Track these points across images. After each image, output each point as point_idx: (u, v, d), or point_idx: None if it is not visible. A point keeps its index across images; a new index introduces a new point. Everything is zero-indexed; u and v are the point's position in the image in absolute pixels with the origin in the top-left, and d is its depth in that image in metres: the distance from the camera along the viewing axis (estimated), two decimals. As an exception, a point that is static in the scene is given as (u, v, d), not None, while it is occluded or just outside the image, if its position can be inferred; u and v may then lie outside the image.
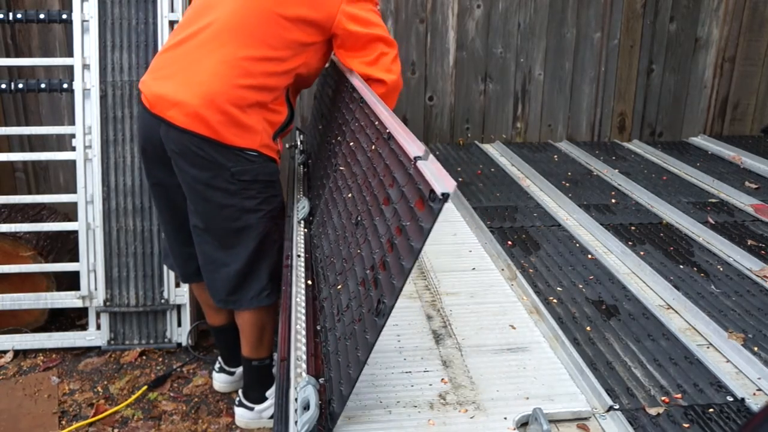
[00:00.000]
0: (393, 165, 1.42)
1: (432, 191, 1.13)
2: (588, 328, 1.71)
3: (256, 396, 2.38)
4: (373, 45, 2.08)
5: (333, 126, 2.19)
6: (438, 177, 1.14)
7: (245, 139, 1.98)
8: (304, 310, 1.56)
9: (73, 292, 2.87)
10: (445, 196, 1.09)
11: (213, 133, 1.93)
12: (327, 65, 2.43)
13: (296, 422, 1.19)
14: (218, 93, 1.91)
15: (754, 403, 1.41)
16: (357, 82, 2.03)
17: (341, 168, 1.87)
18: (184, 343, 2.90)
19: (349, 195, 1.69)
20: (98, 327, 2.89)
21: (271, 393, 2.39)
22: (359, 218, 1.53)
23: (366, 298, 1.29)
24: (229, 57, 1.93)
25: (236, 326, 2.34)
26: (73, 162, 2.83)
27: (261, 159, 2.04)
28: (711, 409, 1.39)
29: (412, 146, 1.33)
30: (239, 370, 2.55)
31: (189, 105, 1.91)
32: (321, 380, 1.32)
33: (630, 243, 2.26)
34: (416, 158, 1.27)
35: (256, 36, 1.94)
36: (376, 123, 1.65)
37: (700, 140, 3.69)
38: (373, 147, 1.61)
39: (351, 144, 1.85)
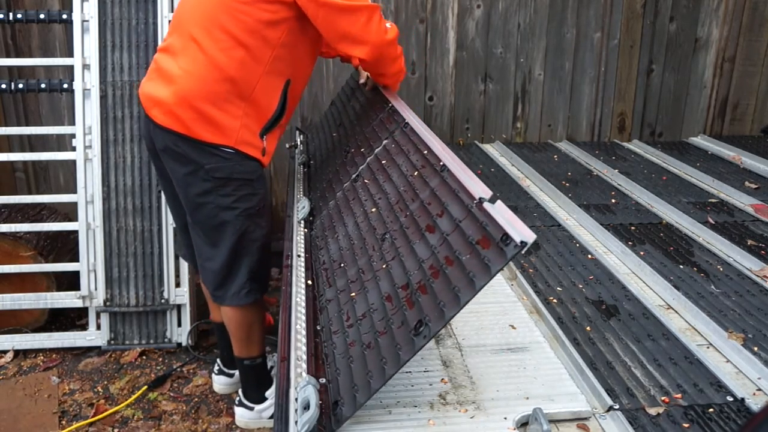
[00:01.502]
0: (445, 197, 1.45)
1: (506, 235, 1.18)
2: (588, 328, 1.71)
3: (255, 396, 2.38)
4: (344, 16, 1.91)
5: (357, 137, 2.21)
6: (514, 225, 1.20)
7: (219, 136, 1.96)
8: (304, 310, 1.56)
9: (73, 292, 2.87)
10: (523, 245, 1.15)
11: (187, 130, 1.94)
12: (364, 82, 2.42)
13: (296, 422, 1.19)
14: (190, 90, 1.93)
15: (754, 403, 1.42)
16: (401, 106, 2.06)
17: (366, 181, 1.88)
18: (184, 343, 2.90)
19: (373, 209, 1.70)
20: (98, 327, 2.89)
21: (270, 393, 2.38)
22: (387, 235, 1.54)
23: (395, 314, 1.31)
24: (199, 53, 1.93)
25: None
26: (73, 162, 2.83)
27: (237, 156, 1.99)
28: (711, 409, 1.39)
29: (476, 186, 1.38)
30: (238, 372, 2.55)
31: (166, 104, 1.95)
32: (321, 380, 1.32)
33: (630, 243, 2.26)
34: (481, 199, 1.32)
35: (219, 27, 1.91)
36: (425, 152, 1.67)
37: (700, 140, 3.70)
38: (416, 173, 1.63)
39: (383, 162, 1.86)
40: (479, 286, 1.17)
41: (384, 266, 1.47)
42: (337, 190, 2.02)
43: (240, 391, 2.44)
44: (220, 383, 2.62)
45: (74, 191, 2.85)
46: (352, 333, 1.39)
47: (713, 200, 2.72)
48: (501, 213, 1.26)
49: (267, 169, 2.79)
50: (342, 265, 1.65)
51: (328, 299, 1.58)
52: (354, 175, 1.98)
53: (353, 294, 1.50)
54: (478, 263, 1.21)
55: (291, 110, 2.14)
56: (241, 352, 2.30)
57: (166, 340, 2.90)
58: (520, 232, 1.17)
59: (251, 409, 2.38)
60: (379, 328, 1.33)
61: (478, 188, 1.37)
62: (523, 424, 1.32)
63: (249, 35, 1.91)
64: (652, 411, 1.38)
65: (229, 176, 2.01)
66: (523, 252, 1.16)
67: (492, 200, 1.30)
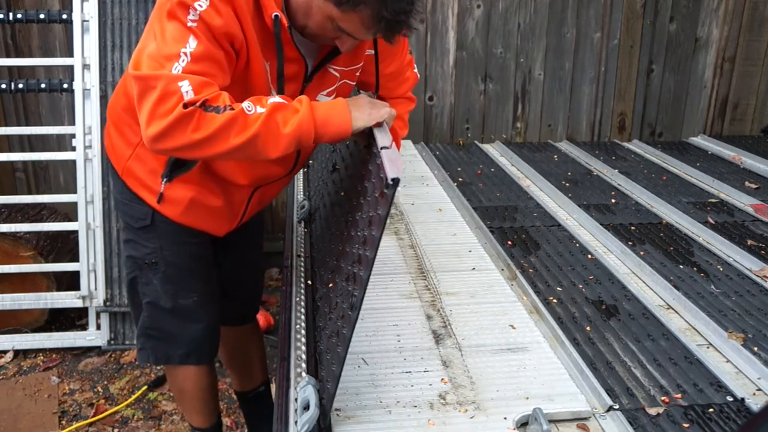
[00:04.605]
0: (370, 158, 1.43)
1: (386, 179, 1.15)
2: (588, 328, 1.71)
3: None
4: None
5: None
6: (391, 164, 1.16)
7: (113, 158, 1.70)
8: (303, 310, 1.56)
9: (73, 292, 2.87)
10: (396, 181, 1.10)
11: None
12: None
13: (296, 422, 1.19)
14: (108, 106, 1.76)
15: (754, 403, 1.41)
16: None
17: (338, 167, 1.88)
18: (184, 343, 2.90)
19: (342, 193, 1.70)
20: (98, 327, 2.89)
21: None
22: (350, 217, 1.54)
23: (348, 294, 1.30)
24: None
25: (253, 398, 2.23)
26: (73, 162, 2.83)
27: (126, 193, 1.68)
28: (711, 409, 1.39)
29: (384, 139, 1.35)
30: None
31: None
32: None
33: (630, 243, 2.26)
34: (383, 148, 1.28)
35: None
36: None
37: (700, 140, 3.69)
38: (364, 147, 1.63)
39: (349, 148, 1.86)
40: (377, 239, 1.16)
41: (347, 248, 1.47)
42: (327, 185, 2.02)
43: None
44: None
45: (74, 191, 2.85)
46: (330, 326, 1.39)
47: (713, 200, 2.72)
48: (389, 156, 1.22)
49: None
50: (326, 258, 1.65)
51: (320, 296, 1.58)
52: (331, 169, 1.97)
53: (331, 285, 1.50)
54: (376, 216, 1.20)
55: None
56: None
57: (166, 340, 2.90)
58: (394, 169, 1.14)
59: None
60: (341, 313, 1.32)
61: (385, 139, 1.35)
62: (523, 424, 1.32)
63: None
64: (652, 411, 1.37)
65: (119, 211, 1.77)
66: (398, 188, 1.12)
67: (390, 146, 1.28)
